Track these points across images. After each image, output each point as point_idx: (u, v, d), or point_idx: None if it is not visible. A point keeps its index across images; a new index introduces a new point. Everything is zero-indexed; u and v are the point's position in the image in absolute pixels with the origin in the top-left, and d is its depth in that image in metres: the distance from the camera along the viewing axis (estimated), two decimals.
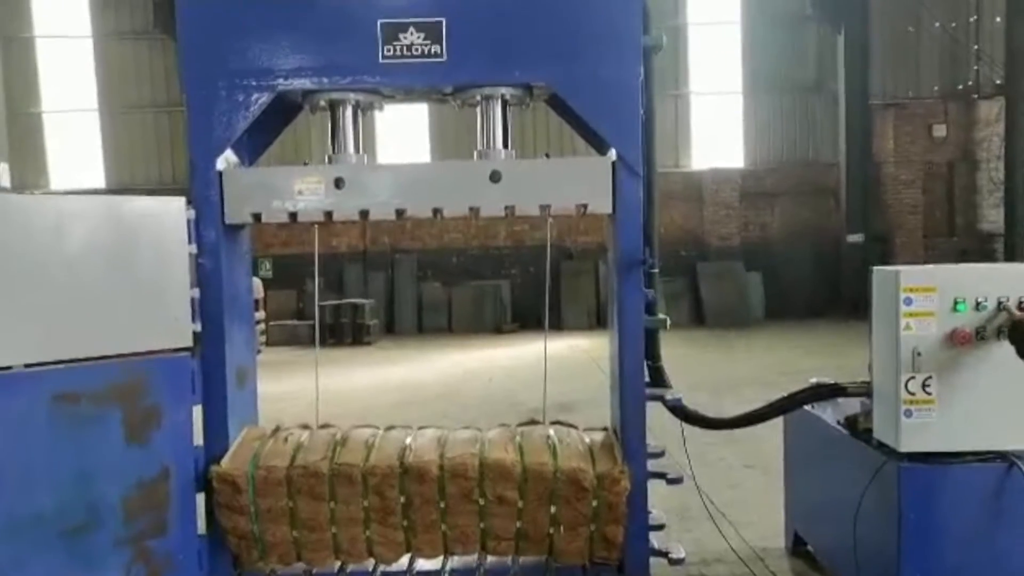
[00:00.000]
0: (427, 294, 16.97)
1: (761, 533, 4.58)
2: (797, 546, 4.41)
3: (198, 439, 3.61)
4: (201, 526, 3.58)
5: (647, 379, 3.73)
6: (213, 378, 3.58)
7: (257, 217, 3.57)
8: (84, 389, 3.26)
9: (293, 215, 3.55)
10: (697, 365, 10.58)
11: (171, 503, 3.44)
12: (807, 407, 4.01)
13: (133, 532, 3.36)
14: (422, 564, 3.71)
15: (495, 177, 3.49)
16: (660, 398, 3.73)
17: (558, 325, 15.90)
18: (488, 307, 16.71)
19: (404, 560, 3.68)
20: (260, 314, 13.92)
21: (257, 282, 13.77)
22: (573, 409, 8.07)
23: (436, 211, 3.58)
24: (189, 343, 3.53)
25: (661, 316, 3.72)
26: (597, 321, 15.96)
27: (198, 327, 3.56)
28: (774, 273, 16.55)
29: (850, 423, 3.60)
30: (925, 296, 3.11)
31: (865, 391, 3.52)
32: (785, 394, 3.85)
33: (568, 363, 11.05)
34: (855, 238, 16.22)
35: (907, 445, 3.11)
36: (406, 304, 16.91)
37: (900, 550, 3.11)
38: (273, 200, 3.54)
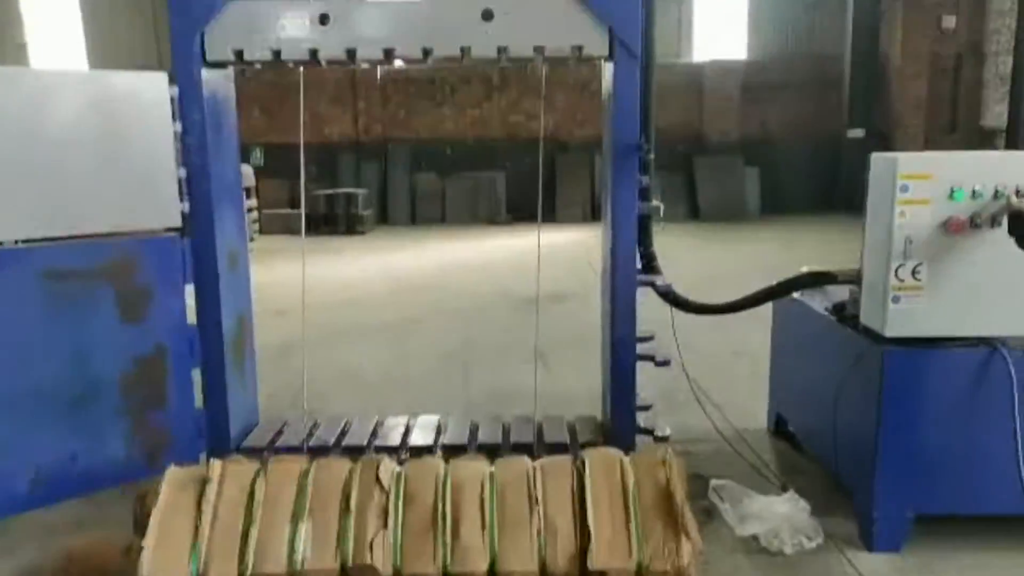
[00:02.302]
0: (421, 185, 16.80)
1: (745, 417, 4.72)
2: (779, 428, 4.56)
3: (192, 320, 3.65)
4: (199, 400, 3.67)
5: (638, 266, 3.75)
6: (204, 259, 3.56)
7: (239, 55, 3.43)
8: (75, 267, 3.27)
9: (277, 53, 3.41)
10: (690, 259, 10.61)
11: (168, 379, 3.52)
12: (796, 295, 4.07)
13: (132, 405, 3.45)
14: (416, 438, 3.84)
15: (487, 15, 3.37)
16: (651, 284, 3.75)
17: (552, 218, 15.83)
18: (482, 199, 16.60)
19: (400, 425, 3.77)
20: (252, 202, 13.80)
21: (248, 169, 13.58)
22: (565, 299, 8.17)
23: (426, 52, 3.45)
24: (178, 223, 3.51)
25: (655, 203, 3.69)
26: (592, 214, 15.89)
27: (186, 208, 3.52)
28: (773, 168, 16.37)
29: (837, 309, 3.65)
30: (922, 183, 3.08)
31: (854, 279, 3.55)
32: (775, 282, 3.88)
33: (561, 256, 11.06)
34: (856, 133, 15.97)
35: (892, 330, 3.16)
36: (400, 195, 16.77)
37: (879, 432, 3.20)
38: (255, 35, 3.39)
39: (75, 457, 3.42)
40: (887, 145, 15.96)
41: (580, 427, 4.00)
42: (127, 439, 3.46)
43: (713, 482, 3.72)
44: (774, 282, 3.91)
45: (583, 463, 2.91)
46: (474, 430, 3.99)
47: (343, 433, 3.94)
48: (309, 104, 16.18)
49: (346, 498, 2.74)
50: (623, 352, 3.57)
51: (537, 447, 3.64)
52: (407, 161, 16.91)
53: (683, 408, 4.59)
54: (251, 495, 2.74)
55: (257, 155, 16.26)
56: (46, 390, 3.24)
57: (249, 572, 2.55)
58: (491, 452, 3.43)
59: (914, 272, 3.12)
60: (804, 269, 3.91)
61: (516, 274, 9.92)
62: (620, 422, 3.66)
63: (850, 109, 16.08)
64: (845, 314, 3.58)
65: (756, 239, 13.10)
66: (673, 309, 4.02)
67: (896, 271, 3.12)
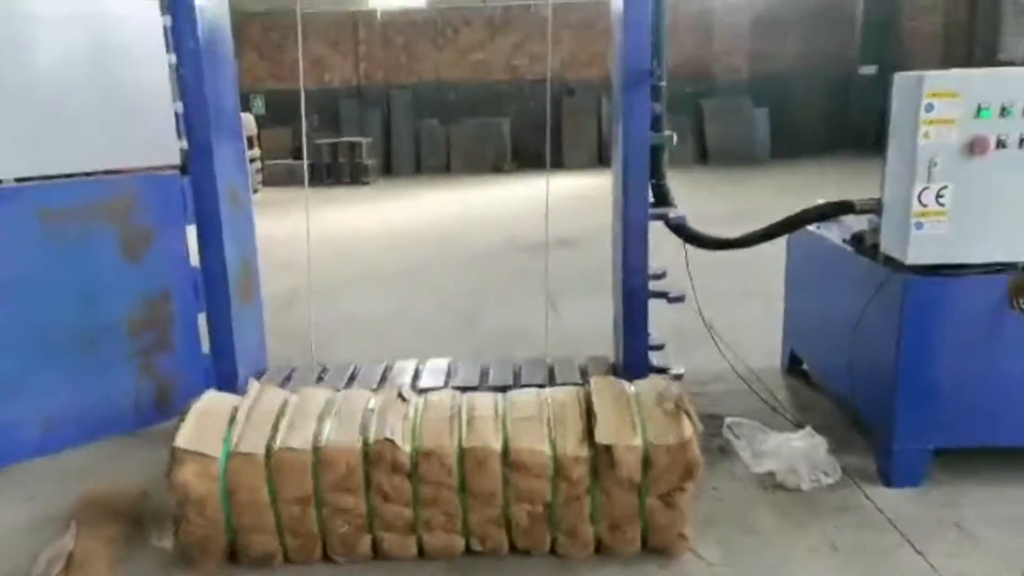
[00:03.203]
0: (425, 132, 16.55)
1: (758, 356, 4.65)
2: (793, 366, 4.50)
3: (196, 261, 3.57)
4: (205, 346, 3.62)
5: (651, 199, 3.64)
6: (205, 197, 3.47)
7: None
8: (73, 205, 3.19)
9: None
10: (698, 204, 10.44)
11: (174, 323, 3.46)
12: (812, 228, 3.96)
13: (138, 349, 3.40)
14: (426, 380, 3.79)
15: None
16: (663, 217, 3.64)
17: (559, 164, 15.63)
18: (488, 145, 16.35)
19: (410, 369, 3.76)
20: (255, 152, 13.64)
21: (248, 118, 13.38)
22: (573, 245, 8.06)
23: None
24: (177, 161, 3.41)
25: (667, 132, 3.56)
26: (599, 160, 15.67)
27: (184, 144, 3.41)
28: (783, 109, 16.01)
29: (856, 240, 3.54)
30: (948, 102, 2.94)
31: (874, 208, 3.43)
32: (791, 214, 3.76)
33: (568, 202, 10.92)
34: (868, 70, 15.57)
35: (915, 257, 3.05)
36: (403, 143, 16.54)
37: (898, 363, 3.12)
38: None
39: (84, 402, 3.38)
40: None
41: (592, 367, 3.94)
42: (135, 384, 3.42)
43: (728, 419, 3.66)
44: (789, 214, 3.79)
45: (588, 383, 3.03)
46: (485, 372, 3.95)
47: (352, 378, 3.91)
48: (309, 49, 15.88)
49: (369, 408, 2.89)
50: (635, 286, 3.49)
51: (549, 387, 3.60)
52: (410, 107, 16.63)
53: (695, 348, 4.52)
54: (283, 404, 2.92)
55: (259, 104, 16.02)
56: (51, 333, 3.20)
57: (277, 447, 2.69)
58: (503, 392, 3.40)
59: (938, 196, 3.00)
60: (821, 201, 3.79)
61: (522, 222, 9.80)
62: (632, 359, 3.60)
63: (863, 44, 15.66)
64: (864, 244, 3.47)
65: (767, 182, 12.87)
66: (686, 246, 3.92)
67: (919, 195, 3.00)
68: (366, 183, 14.81)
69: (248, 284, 3.73)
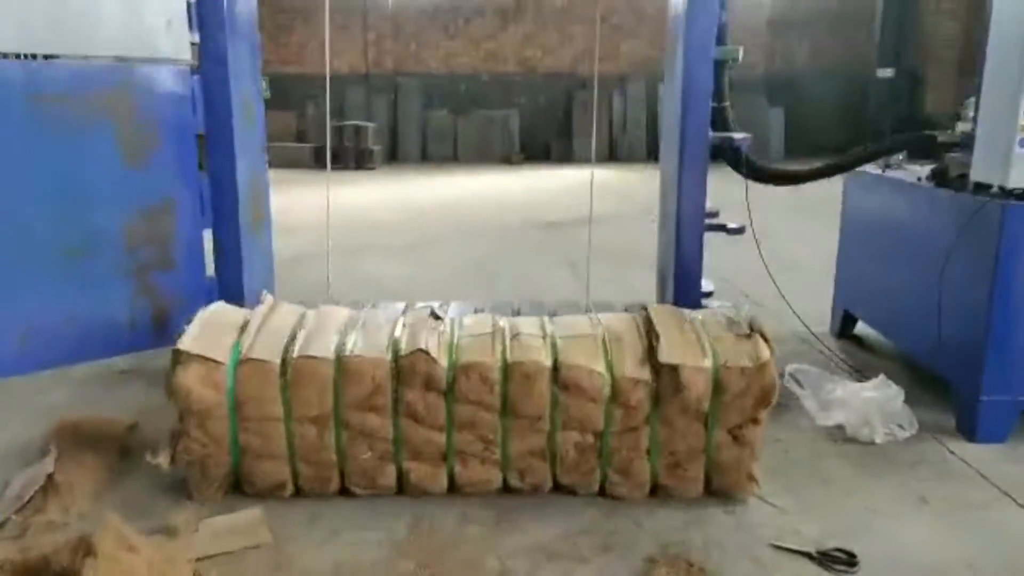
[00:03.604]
0: (433, 122, 16.19)
1: (807, 320, 4.31)
2: (844, 329, 4.15)
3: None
4: (210, 266, 3.25)
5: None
6: (216, 100, 3.12)
7: None
8: (71, 91, 2.82)
9: None
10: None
11: (176, 238, 3.09)
12: (877, 172, 3.64)
13: (136, 264, 3.03)
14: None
15: None
16: (726, 141, 3.30)
17: (569, 157, 15.31)
18: (496, 137, 16.01)
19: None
20: None
21: None
22: (585, 225, 7.71)
23: None
24: (187, 56, 3.06)
25: (732, 47, 3.22)
26: (610, 154, 15.35)
27: (195, 38, 3.06)
28: (798, 109, 15.73)
29: (938, 174, 3.20)
30: None
31: (959, 141, 3.12)
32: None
33: (578, 190, 10.56)
34: (885, 72, 15.31)
35: (1018, 179, 2.71)
36: (411, 130, 16.18)
37: (991, 305, 2.78)
38: None
39: (72, 317, 3.00)
40: (917, 85, 15.34)
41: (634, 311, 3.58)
42: (130, 301, 3.04)
43: (790, 367, 3.31)
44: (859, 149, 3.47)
45: (644, 308, 2.70)
46: (516, 313, 3.58)
47: None
48: (316, 32, 15.57)
49: (399, 323, 2.54)
50: (691, 216, 3.15)
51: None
52: (418, 96, 16.29)
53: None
54: (301, 317, 2.57)
55: (262, 86, 15.65)
56: (37, 235, 2.83)
57: (295, 356, 2.31)
58: None
59: None
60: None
61: (533, 207, 9.49)
62: (684, 296, 3.25)
63: (880, 46, 15.40)
64: (948, 177, 3.13)
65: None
66: (746, 183, 3.58)
67: None
68: (371, 168, 14.45)
69: (258, 206, 3.36)
